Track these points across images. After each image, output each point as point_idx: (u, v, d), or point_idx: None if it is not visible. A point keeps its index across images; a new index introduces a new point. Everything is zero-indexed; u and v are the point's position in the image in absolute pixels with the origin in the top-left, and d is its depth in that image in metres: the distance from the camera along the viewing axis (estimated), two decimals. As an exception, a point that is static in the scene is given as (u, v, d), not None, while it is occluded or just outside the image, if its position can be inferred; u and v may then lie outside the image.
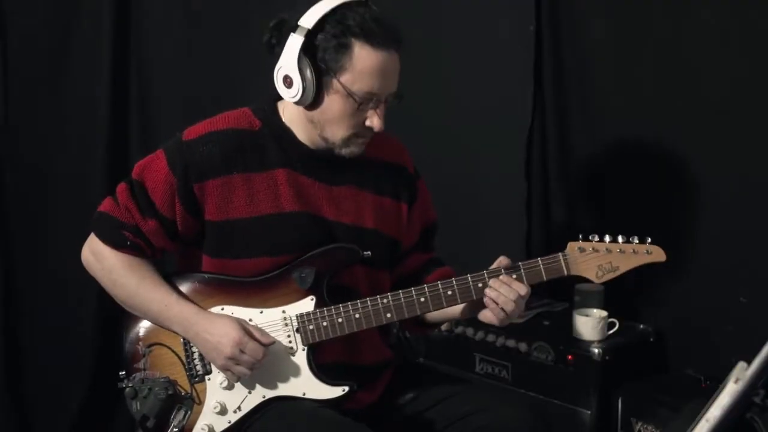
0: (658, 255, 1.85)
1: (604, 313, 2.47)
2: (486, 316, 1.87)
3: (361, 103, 1.82)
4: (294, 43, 1.80)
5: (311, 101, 1.83)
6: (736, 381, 1.41)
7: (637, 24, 2.52)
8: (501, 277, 1.83)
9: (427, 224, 2.11)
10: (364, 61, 1.79)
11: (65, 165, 3.10)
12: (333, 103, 1.83)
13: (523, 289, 1.82)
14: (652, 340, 2.53)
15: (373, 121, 1.84)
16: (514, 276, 1.84)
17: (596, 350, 2.38)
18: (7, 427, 3.05)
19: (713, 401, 1.44)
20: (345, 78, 1.80)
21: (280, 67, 1.84)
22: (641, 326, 2.55)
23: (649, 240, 1.85)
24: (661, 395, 2.28)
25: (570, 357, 2.40)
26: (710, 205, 2.43)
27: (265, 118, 1.92)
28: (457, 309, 1.95)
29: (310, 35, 1.79)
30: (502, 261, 1.86)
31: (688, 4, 2.42)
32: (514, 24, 2.69)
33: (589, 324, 2.44)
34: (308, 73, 1.80)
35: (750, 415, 1.56)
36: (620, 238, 1.85)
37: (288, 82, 1.83)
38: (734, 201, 2.38)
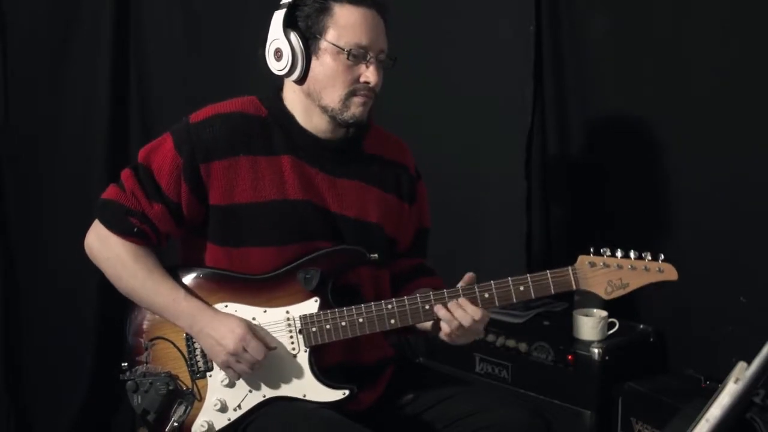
0: (670, 274, 1.80)
1: (604, 313, 2.47)
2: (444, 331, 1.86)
3: (350, 54, 1.82)
4: (278, 18, 1.85)
5: (302, 71, 1.85)
6: (736, 381, 1.41)
7: (637, 24, 2.53)
8: (459, 300, 1.81)
9: (421, 229, 2.11)
10: (346, 17, 1.83)
11: (65, 165, 3.10)
12: (324, 65, 1.85)
13: (478, 314, 1.80)
14: (652, 340, 2.53)
15: (367, 74, 1.85)
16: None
17: (596, 350, 2.38)
18: (8, 427, 3.05)
19: (713, 401, 1.44)
20: (330, 35, 1.83)
21: (269, 44, 1.87)
22: (641, 326, 2.55)
23: (662, 257, 1.80)
24: (661, 395, 2.28)
25: (570, 357, 2.40)
26: (710, 204, 2.43)
27: (271, 106, 1.93)
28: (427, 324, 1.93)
29: (292, 8, 1.84)
30: (467, 278, 1.83)
31: (688, 4, 2.42)
32: (514, 24, 2.69)
33: (589, 324, 2.44)
34: (294, 40, 1.84)
35: (750, 415, 1.56)
36: (632, 254, 1.80)
37: (278, 54, 1.86)
38: (735, 201, 2.38)
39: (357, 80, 1.85)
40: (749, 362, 1.42)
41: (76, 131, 3.11)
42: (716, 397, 1.44)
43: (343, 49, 1.82)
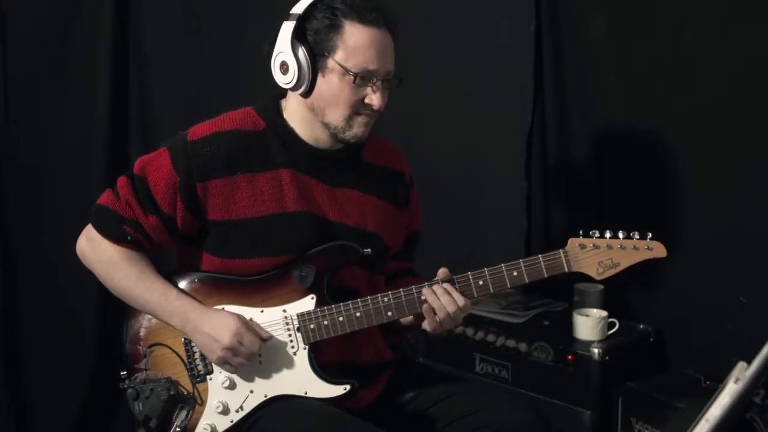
0: (659, 251, 1.84)
1: (604, 313, 2.47)
2: (425, 324, 1.89)
3: (357, 77, 1.81)
4: (286, 29, 1.83)
5: (307, 86, 1.84)
6: (736, 381, 1.41)
7: (637, 24, 2.52)
8: (444, 285, 1.84)
9: (411, 233, 2.12)
10: (356, 38, 1.81)
11: (65, 165, 3.10)
12: (330, 84, 1.83)
13: (462, 301, 1.83)
14: (652, 340, 2.53)
15: (372, 98, 1.84)
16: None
17: (596, 350, 2.38)
18: (7, 427, 3.05)
19: (713, 401, 1.44)
20: (339, 56, 1.81)
21: (276, 55, 1.85)
22: (641, 326, 2.54)
23: (650, 236, 1.84)
24: (661, 395, 2.28)
25: (570, 357, 2.40)
26: (710, 204, 2.43)
27: (269, 118, 1.93)
28: (409, 319, 1.95)
29: (302, 20, 1.82)
30: (440, 273, 1.86)
31: (689, 3, 2.42)
32: (514, 24, 2.69)
33: (589, 324, 2.44)
34: (302, 55, 1.82)
35: (750, 415, 1.56)
36: (620, 234, 1.84)
37: (284, 68, 1.84)
38: (734, 201, 2.38)
39: (362, 102, 1.85)
40: (749, 362, 1.42)
41: (76, 131, 3.10)
42: (716, 397, 1.44)
43: (351, 72, 1.82)
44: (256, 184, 1.88)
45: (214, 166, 1.86)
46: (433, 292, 1.83)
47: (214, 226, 1.88)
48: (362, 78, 1.82)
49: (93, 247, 1.91)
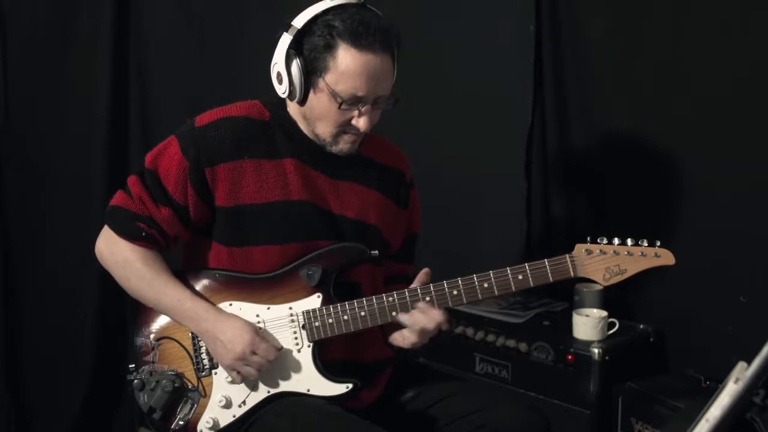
0: (667, 258, 1.83)
1: (604, 313, 2.47)
2: (395, 339, 1.93)
3: (343, 102, 1.83)
4: (284, 41, 1.84)
5: (300, 99, 1.86)
6: (736, 381, 1.41)
7: (636, 24, 2.53)
8: (420, 305, 1.86)
9: (411, 233, 2.13)
10: (347, 63, 1.80)
11: (65, 165, 3.11)
12: (320, 101, 1.86)
13: (440, 317, 1.86)
14: (652, 340, 2.53)
15: (359, 122, 1.86)
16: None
17: (596, 350, 2.38)
18: (7, 427, 3.05)
19: (713, 401, 1.44)
20: (329, 78, 1.82)
21: (274, 64, 1.88)
22: (641, 326, 2.55)
23: (659, 243, 1.83)
24: (661, 395, 2.28)
25: (570, 357, 2.40)
26: (710, 204, 2.43)
27: (274, 110, 1.95)
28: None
29: (300, 35, 1.82)
30: (422, 277, 1.89)
31: (688, 3, 2.42)
32: (514, 24, 2.69)
33: (589, 324, 2.44)
34: (296, 70, 1.83)
35: (750, 415, 1.56)
36: (629, 241, 1.83)
37: (279, 78, 1.87)
38: (734, 201, 2.38)
39: (349, 122, 1.87)
40: (749, 362, 1.42)
41: (76, 131, 3.11)
42: (716, 397, 1.44)
43: (338, 96, 1.82)
44: (262, 169, 1.90)
45: (221, 150, 1.88)
46: (411, 315, 1.87)
47: (221, 212, 1.90)
48: (349, 103, 1.84)
49: (110, 248, 1.93)
